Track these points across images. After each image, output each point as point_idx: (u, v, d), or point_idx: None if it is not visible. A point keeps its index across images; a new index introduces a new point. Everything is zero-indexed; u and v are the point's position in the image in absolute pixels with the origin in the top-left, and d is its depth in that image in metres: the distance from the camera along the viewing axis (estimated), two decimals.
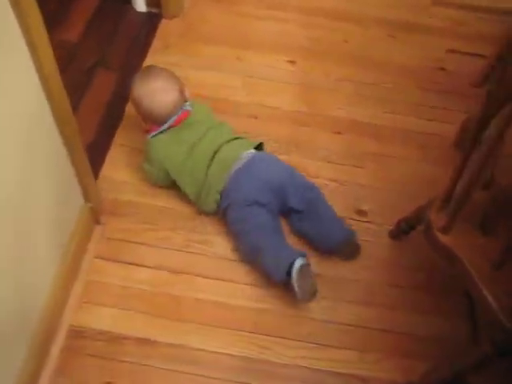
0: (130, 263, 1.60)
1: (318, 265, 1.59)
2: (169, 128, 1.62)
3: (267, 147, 1.76)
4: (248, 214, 1.54)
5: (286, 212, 1.64)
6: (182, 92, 1.63)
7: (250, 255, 1.56)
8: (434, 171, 1.83)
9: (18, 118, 1.13)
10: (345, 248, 1.59)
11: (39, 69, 1.14)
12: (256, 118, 1.92)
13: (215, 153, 1.58)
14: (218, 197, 1.58)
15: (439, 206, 1.15)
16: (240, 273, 1.58)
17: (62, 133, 1.31)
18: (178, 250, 1.63)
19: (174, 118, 1.62)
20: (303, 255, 1.46)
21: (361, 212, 1.72)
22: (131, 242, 1.64)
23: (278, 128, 1.90)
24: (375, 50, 2.17)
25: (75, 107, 1.88)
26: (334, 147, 1.87)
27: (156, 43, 2.11)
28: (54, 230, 1.41)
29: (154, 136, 1.63)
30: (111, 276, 1.57)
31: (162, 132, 1.63)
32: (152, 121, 1.64)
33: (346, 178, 1.81)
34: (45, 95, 1.20)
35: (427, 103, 2.02)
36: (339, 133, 1.90)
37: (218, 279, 1.59)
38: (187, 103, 1.66)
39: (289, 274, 1.42)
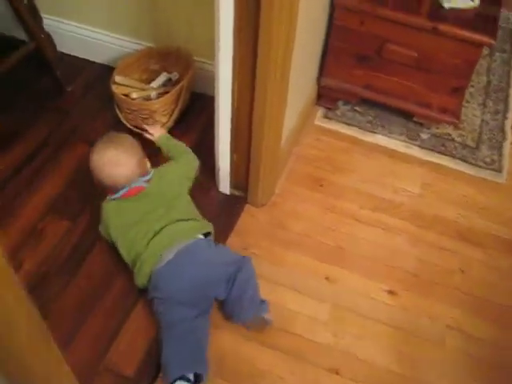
0: None
1: None
2: (121, 197, 1.65)
3: None
4: (169, 315, 1.57)
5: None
6: (139, 165, 1.65)
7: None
8: None
9: None
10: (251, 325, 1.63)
11: None
12: (337, 373, 1.62)
13: (156, 233, 1.60)
14: (147, 279, 1.60)
15: None
16: None
17: None
18: None
19: (124, 191, 1.64)
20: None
21: None
22: None
23: None
24: (497, 289, 1.85)
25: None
26: None
27: (233, 239, 1.85)
28: None
29: (108, 199, 1.69)
30: None
31: (114, 199, 1.66)
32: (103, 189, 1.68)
33: None
34: None
35: None
36: None
37: None
38: (145, 178, 1.66)
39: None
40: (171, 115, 2.04)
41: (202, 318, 1.60)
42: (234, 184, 1.93)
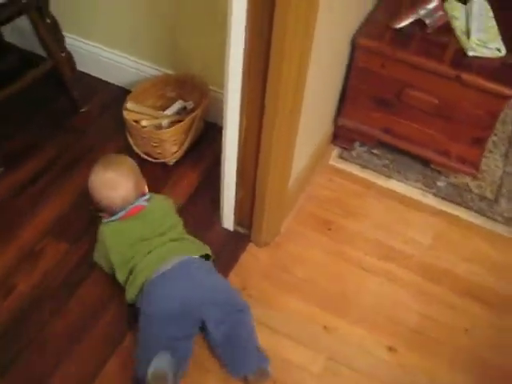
0: None
1: None
2: (120, 218, 1.65)
3: None
4: (152, 330, 1.53)
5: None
6: (136, 187, 1.68)
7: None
8: None
9: None
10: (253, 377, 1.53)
11: None
12: None
13: (156, 247, 1.61)
14: (137, 291, 1.58)
15: None
16: None
17: None
18: None
19: (123, 213, 1.65)
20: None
21: None
22: None
23: None
24: (504, 351, 1.74)
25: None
26: None
27: (232, 278, 1.80)
28: None
29: (106, 222, 1.68)
30: None
31: (113, 220, 1.67)
32: (103, 211, 1.70)
33: None
34: None
35: None
36: None
37: None
38: (144, 197, 1.69)
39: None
40: (182, 145, 2.00)
41: (184, 342, 1.55)
42: (238, 220, 1.88)
